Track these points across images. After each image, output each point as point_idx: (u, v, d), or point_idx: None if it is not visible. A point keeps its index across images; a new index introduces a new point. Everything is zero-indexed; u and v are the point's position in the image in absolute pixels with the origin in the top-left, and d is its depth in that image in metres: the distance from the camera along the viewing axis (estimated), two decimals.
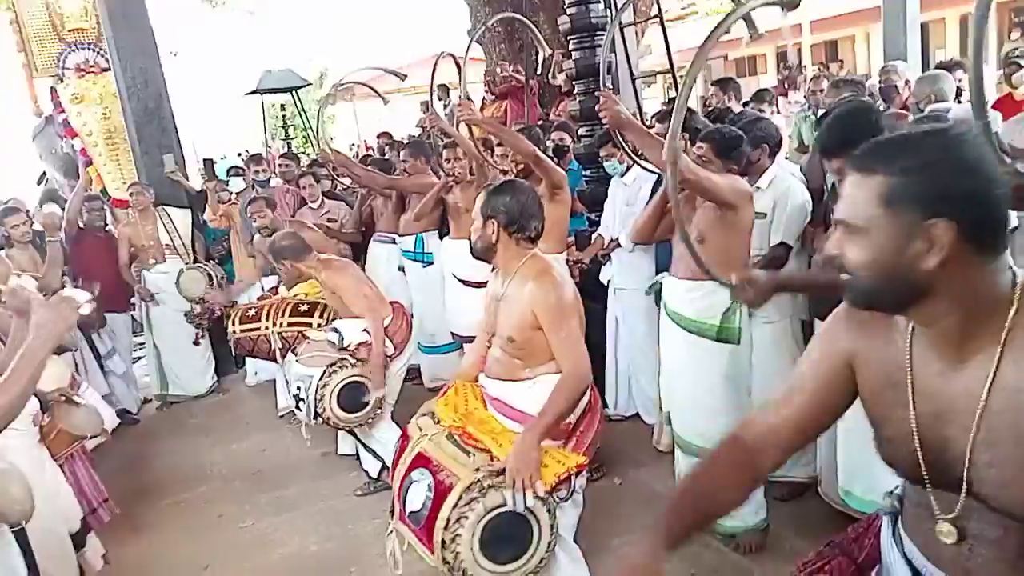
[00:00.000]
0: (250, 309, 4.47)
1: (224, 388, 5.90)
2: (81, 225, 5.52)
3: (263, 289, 5.31)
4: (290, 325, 4.24)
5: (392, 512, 2.19)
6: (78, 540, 2.84)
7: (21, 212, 5.06)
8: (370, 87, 6.52)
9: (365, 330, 3.42)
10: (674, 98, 3.41)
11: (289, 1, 21.71)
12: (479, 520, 1.92)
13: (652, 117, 4.81)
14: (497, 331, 2.33)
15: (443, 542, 1.89)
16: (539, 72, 8.07)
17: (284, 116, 12.76)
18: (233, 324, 4.39)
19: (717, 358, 2.84)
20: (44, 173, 9.74)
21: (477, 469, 1.95)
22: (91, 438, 3.17)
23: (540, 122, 6.49)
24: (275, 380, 5.20)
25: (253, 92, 11.42)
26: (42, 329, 1.83)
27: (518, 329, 2.23)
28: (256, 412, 5.34)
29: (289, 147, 11.04)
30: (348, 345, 3.41)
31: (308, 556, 3.35)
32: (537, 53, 7.29)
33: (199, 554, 3.46)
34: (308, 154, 14.25)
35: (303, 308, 4.26)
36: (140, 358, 6.25)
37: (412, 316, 4.17)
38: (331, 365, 3.34)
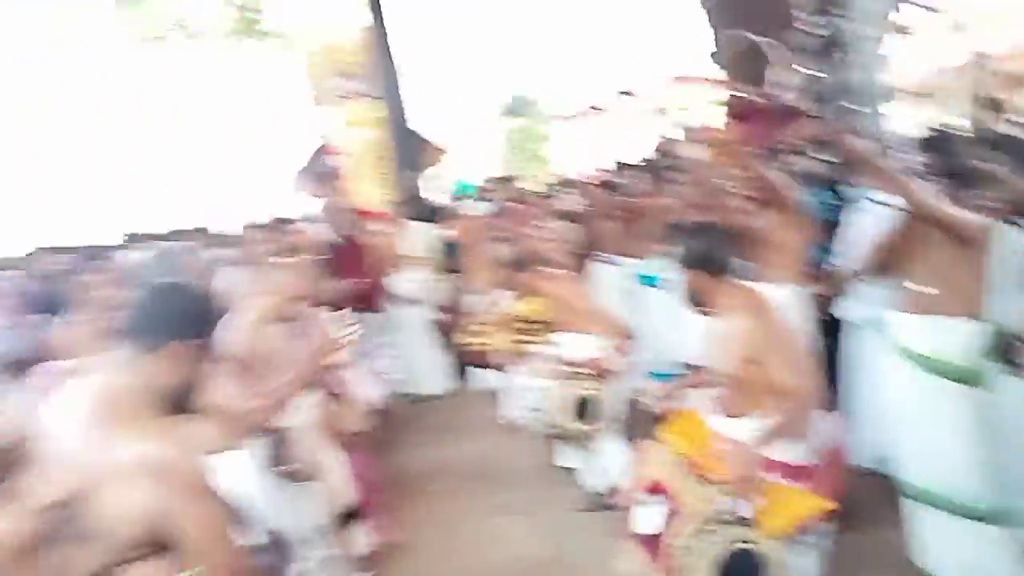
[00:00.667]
0: (480, 322, 4.89)
1: (457, 391, 6.30)
2: (343, 235, 6.23)
3: (494, 303, 5.64)
4: (512, 341, 4.58)
5: (622, 531, 2.22)
6: (349, 519, 3.14)
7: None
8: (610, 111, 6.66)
9: (594, 346, 3.51)
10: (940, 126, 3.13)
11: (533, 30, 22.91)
12: (714, 553, 1.90)
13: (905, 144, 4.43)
14: (716, 367, 2.32)
15: (676, 569, 1.89)
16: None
17: (523, 139, 13.45)
18: (464, 335, 4.83)
19: (957, 402, 2.57)
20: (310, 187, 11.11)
21: (712, 501, 1.93)
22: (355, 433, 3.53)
23: (779, 145, 6.23)
24: (501, 389, 5.54)
25: (497, 115, 12.17)
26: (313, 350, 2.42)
27: (733, 363, 2.22)
28: (484, 417, 5.65)
29: (524, 168, 11.58)
30: (577, 360, 3.52)
31: (531, 560, 3.51)
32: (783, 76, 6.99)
33: (445, 544, 3.76)
34: (537, 177, 14.88)
35: (525, 325, 4.53)
36: (383, 357, 6.90)
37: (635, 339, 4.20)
38: (561, 378, 3.48)
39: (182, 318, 1.65)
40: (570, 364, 3.58)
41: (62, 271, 4.74)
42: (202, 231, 7.19)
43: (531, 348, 4.13)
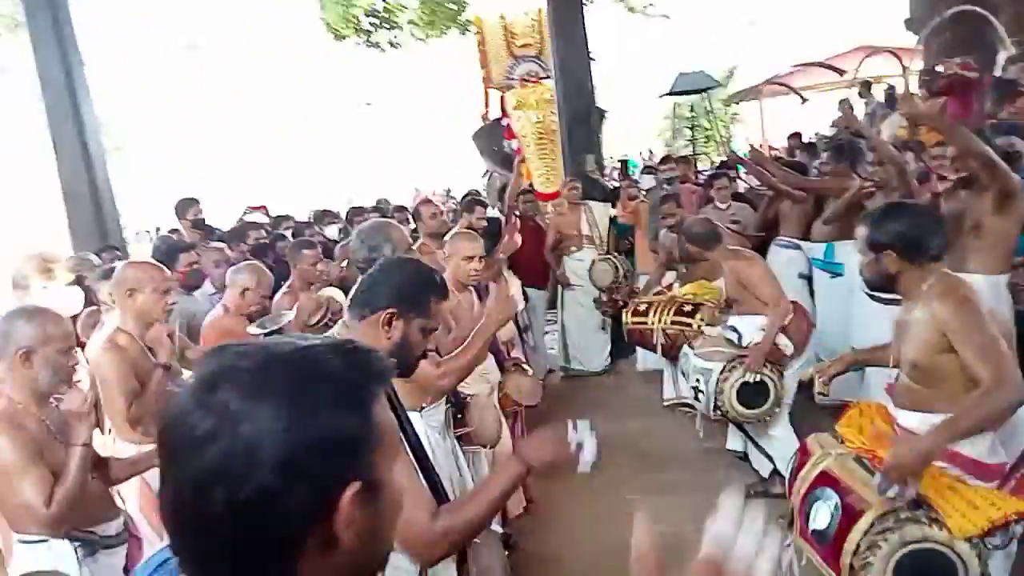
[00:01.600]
0: (642, 304, 4.89)
1: (618, 370, 6.33)
2: (517, 214, 6.43)
3: (662, 283, 5.60)
4: (672, 323, 4.58)
5: (790, 524, 2.17)
6: None
7: (431, 204, 5.94)
8: (788, 86, 6.33)
9: (763, 328, 3.41)
10: None
11: (703, 2, 22.10)
12: (893, 552, 1.81)
13: None
14: (902, 358, 2.20)
15: (851, 567, 1.83)
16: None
17: (692, 117, 13.08)
18: (626, 316, 4.86)
19: None
20: (487, 172, 11.52)
21: (893, 497, 1.84)
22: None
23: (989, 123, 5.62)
24: (662, 370, 5.51)
25: (666, 94, 11.93)
26: (492, 315, 2.43)
27: (923, 353, 2.08)
28: (645, 396, 5.66)
29: (695, 148, 11.29)
30: (748, 344, 3.44)
31: (685, 541, 3.47)
32: (993, 47, 6.29)
33: (596, 519, 3.79)
34: (708, 155, 14.37)
35: (687, 309, 4.54)
36: (548, 333, 7.09)
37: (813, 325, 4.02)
38: (731, 361, 3.42)
39: (403, 288, 1.77)
40: (741, 347, 3.49)
41: (268, 244, 5.32)
42: (379, 208, 7.71)
43: (701, 329, 4.06)
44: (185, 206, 5.44)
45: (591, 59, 6.53)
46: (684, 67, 11.87)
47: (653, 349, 4.82)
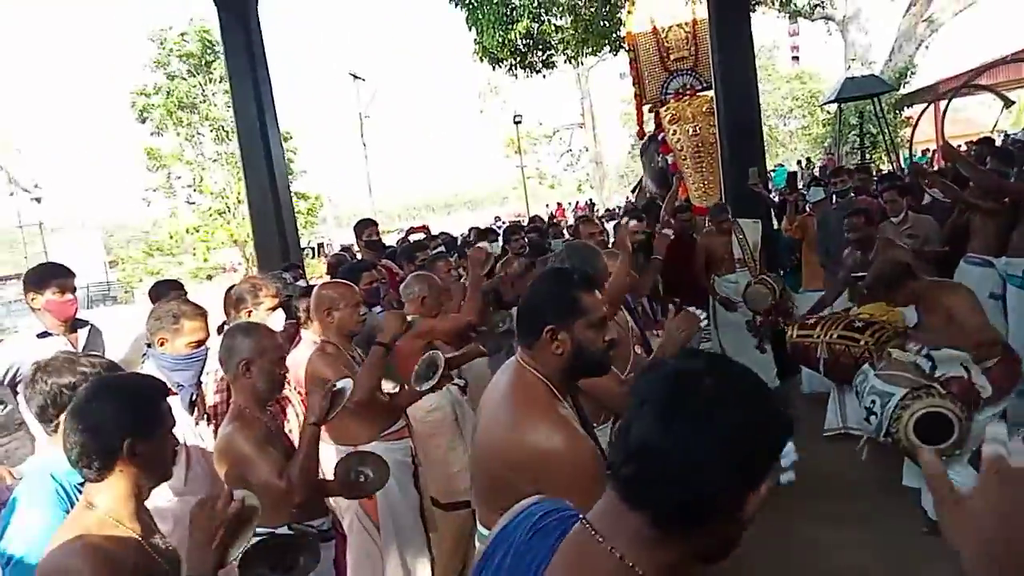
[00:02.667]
0: (810, 318, 4.68)
1: (783, 393, 6.04)
2: (671, 232, 6.33)
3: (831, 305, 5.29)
4: (839, 338, 4.32)
5: None
6: None
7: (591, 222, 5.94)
8: (992, 90, 5.82)
9: (963, 364, 3.13)
10: None
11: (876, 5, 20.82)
12: None
13: None
14: None
15: None
16: None
17: (861, 124, 12.30)
18: (791, 330, 4.66)
19: None
20: (640, 181, 11.45)
21: None
22: None
23: None
24: (829, 394, 5.21)
25: (832, 101, 11.32)
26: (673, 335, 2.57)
27: None
28: (810, 421, 5.37)
29: (863, 156, 10.61)
30: (940, 376, 3.18)
31: (859, 573, 3.31)
32: None
33: (764, 548, 3.64)
34: (877, 164, 13.43)
35: (857, 325, 4.28)
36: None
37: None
38: (916, 389, 3.16)
39: (547, 300, 1.79)
40: (933, 376, 3.23)
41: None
42: (535, 226, 7.87)
43: (869, 347, 3.81)
44: (363, 227, 5.85)
45: (755, 68, 6.31)
46: (855, 71, 11.22)
47: (816, 368, 4.57)
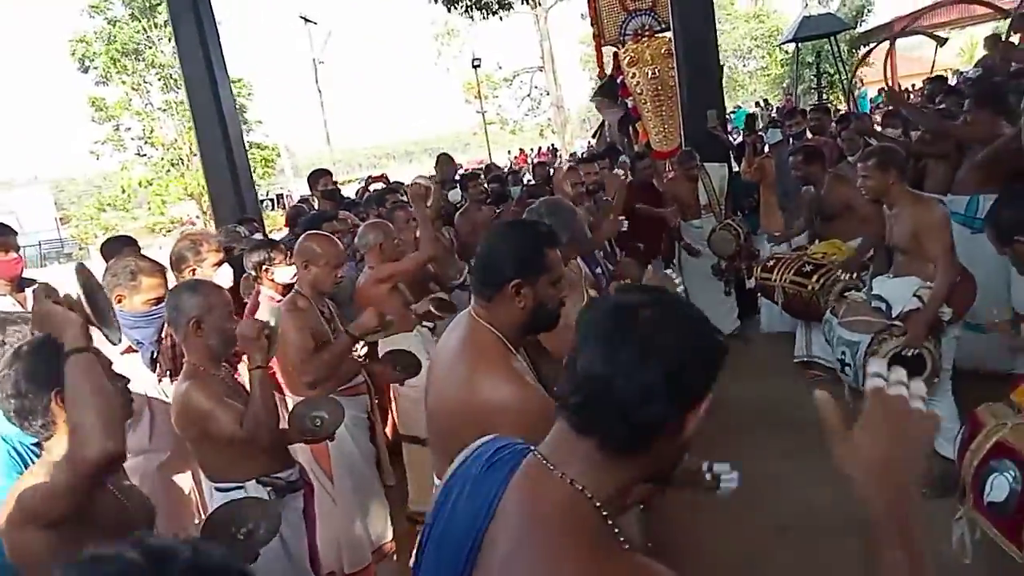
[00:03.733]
0: (771, 260, 4.96)
1: (746, 335, 6.17)
2: (623, 173, 6.31)
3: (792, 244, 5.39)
4: (791, 283, 4.64)
5: (961, 496, 2.09)
6: None
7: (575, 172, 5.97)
8: (924, 32, 5.87)
9: (916, 295, 3.22)
10: None
11: None
12: None
13: None
14: None
15: None
16: None
17: (818, 63, 12.29)
18: (756, 270, 5.00)
19: None
20: (601, 125, 11.36)
21: None
22: None
23: None
24: (788, 332, 5.37)
25: (788, 40, 11.27)
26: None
27: None
28: (775, 359, 5.51)
29: (819, 96, 10.66)
30: (898, 313, 3.26)
31: (814, 508, 3.42)
32: None
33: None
34: (834, 104, 13.50)
35: (807, 269, 4.54)
36: None
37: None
38: (880, 332, 3.25)
39: (516, 253, 1.76)
40: (891, 317, 3.30)
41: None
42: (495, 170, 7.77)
43: (802, 295, 3.90)
44: (317, 176, 5.72)
45: (713, 8, 6.23)
46: (811, 10, 11.15)
47: (786, 309, 4.82)
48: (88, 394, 1.50)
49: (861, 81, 12.94)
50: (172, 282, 3.03)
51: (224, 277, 3.24)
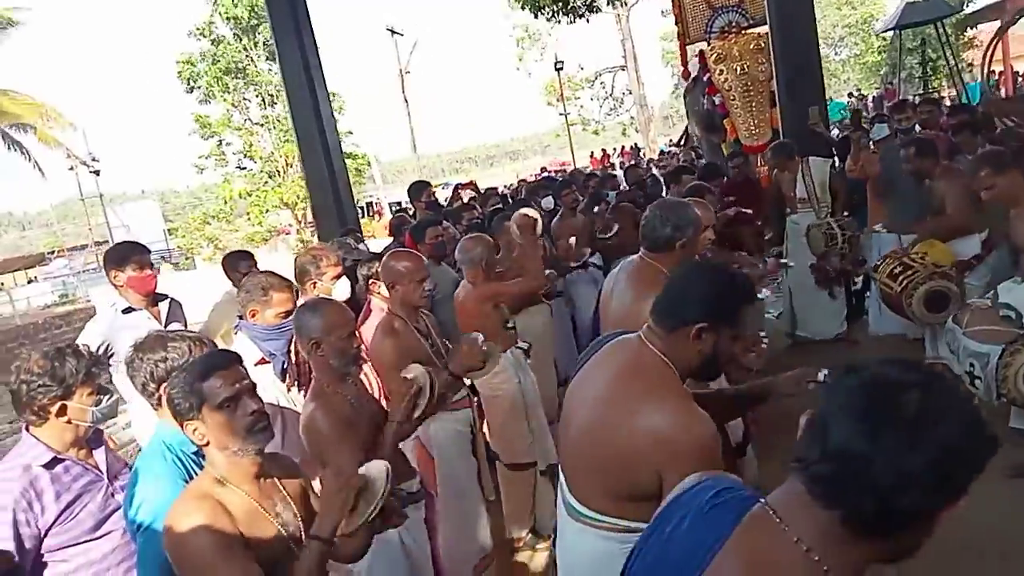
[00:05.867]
0: (889, 264, 4.68)
1: (852, 338, 5.93)
2: (730, 175, 6.21)
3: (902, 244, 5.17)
4: (883, 284, 4.60)
5: None
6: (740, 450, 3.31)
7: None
8: None
9: None
10: None
11: None
12: None
13: None
14: None
15: None
16: None
17: (923, 50, 11.67)
18: (877, 274, 4.74)
19: None
20: (685, 130, 11.19)
21: None
22: None
23: None
24: (901, 333, 5.14)
25: (893, 28, 10.75)
26: None
27: None
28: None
29: (925, 85, 10.13)
30: None
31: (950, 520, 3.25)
32: None
33: None
34: (939, 89, 12.78)
35: (896, 270, 4.49)
36: (773, 297, 6.83)
37: None
38: (1011, 343, 3.07)
39: (715, 301, 1.73)
40: (1018, 324, 3.12)
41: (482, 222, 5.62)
42: (574, 179, 7.77)
43: (968, 303, 3.70)
44: (420, 188, 5.90)
45: (813, 4, 6.04)
46: None
47: (900, 312, 4.63)
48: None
49: (971, 66, 12.21)
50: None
51: (342, 290, 3.38)
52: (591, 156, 29.06)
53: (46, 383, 2.16)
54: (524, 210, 4.03)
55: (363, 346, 2.65)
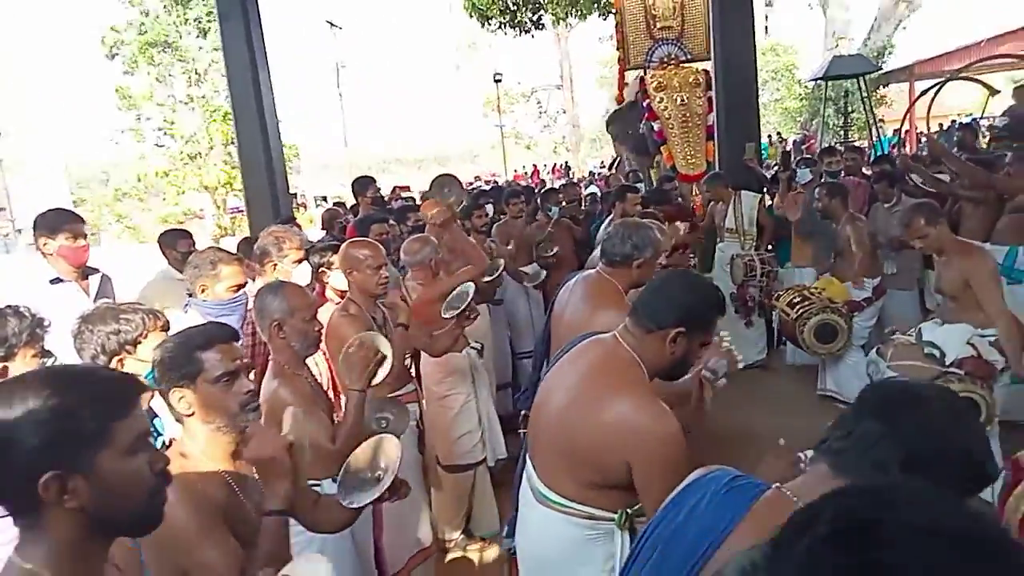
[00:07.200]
0: (790, 294, 5.19)
1: (771, 365, 6.26)
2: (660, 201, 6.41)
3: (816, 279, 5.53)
4: (782, 311, 5.12)
5: None
6: None
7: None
8: (977, 80, 6.01)
9: (969, 343, 3.30)
10: None
11: None
12: None
13: None
14: None
15: None
16: None
17: (846, 102, 12.45)
18: (778, 302, 5.22)
19: None
20: (617, 156, 11.48)
21: None
22: None
23: None
24: (814, 364, 5.47)
25: (821, 78, 11.42)
26: None
27: None
28: (796, 391, 5.60)
29: (845, 135, 10.81)
30: (952, 363, 3.32)
31: None
32: None
33: None
34: (855, 142, 13.63)
35: (796, 300, 5.02)
36: None
37: None
38: (936, 378, 3.29)
39: (694, 310, 1.86)
40: (944, 365, 3.36)
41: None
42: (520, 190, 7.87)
43: (891, 338, 3.96)
44: (365, 184, 5.84)
45: (755, 44, 6.36)
46: (842, 50, 11.33)
47: (807, 344, 4.97)
48: (267, 555, 1.58)
49: (882, 121, 13.09)
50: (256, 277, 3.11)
51: (302, 274, 3.32)
52: (517, 171, 29.35)
53: None
54: (434, 206, 4.05)
55: (321, 332, 2.62)
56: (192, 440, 1.71)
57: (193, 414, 1.69)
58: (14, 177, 28.91)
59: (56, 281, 3.56)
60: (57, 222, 3.58)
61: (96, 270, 3.81)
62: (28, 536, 1.09)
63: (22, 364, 2.09)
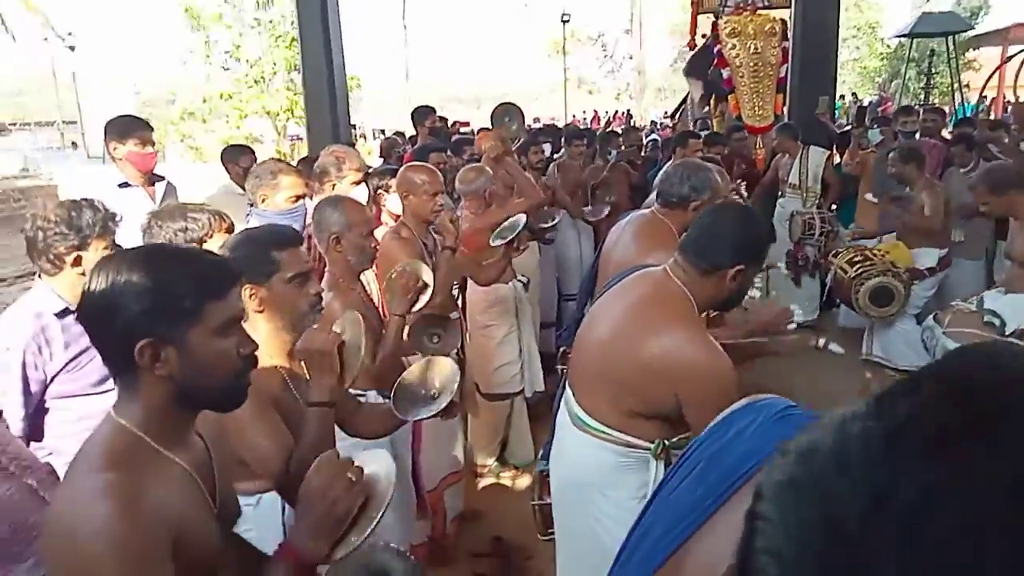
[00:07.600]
0: (851, 252, 5.08)
1: (821, 326, 6.11)
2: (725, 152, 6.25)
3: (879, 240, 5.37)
4: (840, 268, 5.01)
5: None
6: None
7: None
8: None
9: None
10: None
11: None
12: None
13: None
14: None
15: None
16: None
17: (930, 62, 11.77)
18: (836, 259, 5.12)
19: None
20: (683, 101, 11.16)
21: None
22: None
23: None
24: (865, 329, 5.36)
25: (906, 35, 10.82)
26: None
27: None
28: (849, 354, 5.51)
29: (926, 97, 10.29)
30: (1012, 331, 3.22)
31: None
32: None
33: None
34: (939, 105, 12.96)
35: (857, 259, 4.90)
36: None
37: None
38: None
39: (750, 246, 1.88)
40: (1004, 334, 3.26)
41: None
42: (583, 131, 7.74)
43: (951, 304, 3.85)
44: (424, 113, 5.82)
45: None
46: (933, 6, 10.68)
47: (861, 305, 4.87)
48: (310, 445, 1.62)
49: (967, 87, 12.40)
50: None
51: (361, 196, 3.36)
52: (575, 116, 28.82)
53: (63, 231, 2.15)
54: (491, 138, 4.03)
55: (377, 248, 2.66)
56: (253, 335, 1.77)
57: (263, 311, 1.75)
58: (85, 93, 29.66)
59: (124, 185, 3.69)
60: (127, 128, 3.70)
61: (162, 177, 3.93)
62: (125, 396, 1.19)
63: (94, 254, 2.18)
